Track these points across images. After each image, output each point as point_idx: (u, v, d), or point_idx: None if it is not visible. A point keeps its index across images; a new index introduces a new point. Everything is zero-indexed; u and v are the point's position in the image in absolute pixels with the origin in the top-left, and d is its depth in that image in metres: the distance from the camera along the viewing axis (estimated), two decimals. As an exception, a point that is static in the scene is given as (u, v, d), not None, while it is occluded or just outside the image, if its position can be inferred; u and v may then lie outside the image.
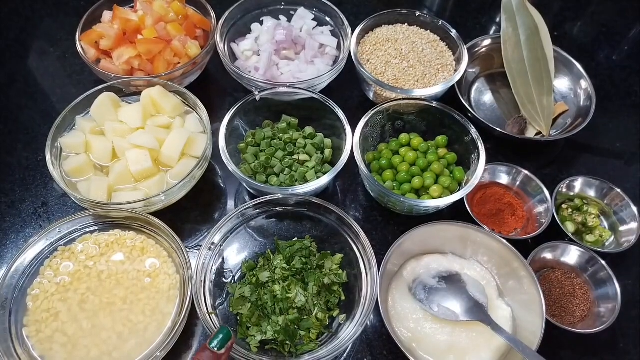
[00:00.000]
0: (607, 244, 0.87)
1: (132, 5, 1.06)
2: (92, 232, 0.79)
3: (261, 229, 0.83)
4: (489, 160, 0.87)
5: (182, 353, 0.75)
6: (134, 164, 0.83)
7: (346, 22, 1.03)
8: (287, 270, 0.76)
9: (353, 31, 1.01)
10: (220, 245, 0.78)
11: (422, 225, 0.78)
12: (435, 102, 0.90)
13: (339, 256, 0.79)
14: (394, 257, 0.76)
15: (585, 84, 1.04)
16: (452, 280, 0.78)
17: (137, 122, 0.88)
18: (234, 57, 1.04)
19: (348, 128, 0.86)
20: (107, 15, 1.02)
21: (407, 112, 0.93)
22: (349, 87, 1.06)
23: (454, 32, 1.01)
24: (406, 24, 1.06)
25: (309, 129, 0.93)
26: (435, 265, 0.80)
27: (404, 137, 0.92)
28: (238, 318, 0.75)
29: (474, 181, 0.81)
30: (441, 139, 0.91)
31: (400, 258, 0.80)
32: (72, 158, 0.85)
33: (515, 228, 0.87)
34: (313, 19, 1.08)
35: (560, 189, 0.89)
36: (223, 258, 0.79)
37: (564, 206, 0.90)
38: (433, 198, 0.84)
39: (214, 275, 0.77)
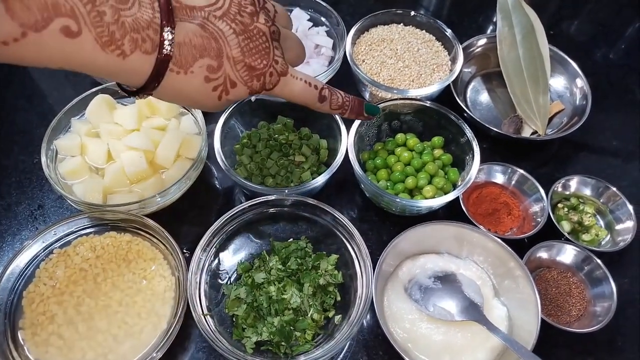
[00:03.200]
0: (603, 242, 0.87)
1: (127, 6, 1.06)
2: (87, 234, 0.79)
3: (257, 230, 0.83)
4: (484, 160, 0.87)
5: (177, 354, 0.75)
6: (129, 166, 0.83)
7: (342, 23, 1.03)
8: (282, 271, 0.77)
9: (348, 32, 1.01)
10: (216, 247, 0.78)
11: (418, 225, 0.78)
12: (430, 102, 0.90)
13: (334, 257, 0.79)
14: (389, 257, 0.76)
15: (581, 82, 1.04)
16: (447, 280, 0.78)
17: (132, 124, 0.88)
18: (229, 58, 1.04)
19: (343, 128, 0.86)
20: (102, 17, 1.02)
21: (404, 112, 0.93)
22: (345, 88, 1.03)
23: (449, 32, 1.01)
24: (402, 24, 1.06)
25: (304, 130, 0.93)
26: (431, 265, 0.80)
27: (400, 137, 0.92)
28: (233, 319, 0.75)
29: (467, 182, 0.81)
30: (437, 139, 0.91)
31: (395, 258, 0.80)
32: (67, 160, 0.85)
33: (511, 227, 0.87)
34: (308, 20, 1.08)
35: (555, 188, 0.89)
36: (218, 259, 0.79)
37: (559, 205, 0.90)
38: (426, 198, 0.84)
39: (210, 277, 0.77)
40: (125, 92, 0.58)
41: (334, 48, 1.05)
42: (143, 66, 0.50)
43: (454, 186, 0.87)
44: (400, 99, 0.91)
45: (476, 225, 0.82)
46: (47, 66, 0.46)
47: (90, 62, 0.47)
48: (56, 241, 0.78)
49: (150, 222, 0.77)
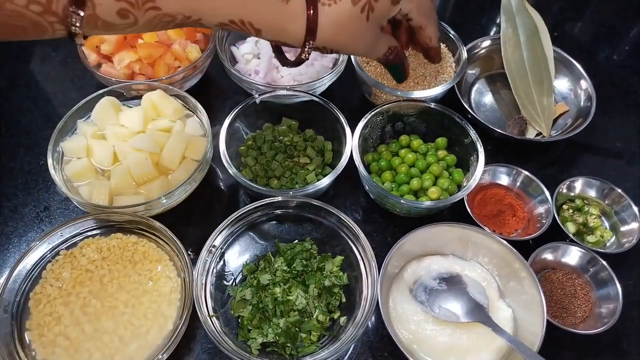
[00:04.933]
0: (608, 244, 0.87)
1: (132, 9, 1.06)
2: (93, 235, 0.80)
3: (262, 231, 0.83)
4: (489, 161, 0.87)
5: (183, 355, 0.75)
6: (135, 168, 0.83)
7: (346, 25, 1.03)
8: (287, 272, 0.77)
9: (352, 33, 1.01)
10: (221, 248, 0.79)
11: (423, 226, 0.78)
12: (434, 104, 0.90)
13: (339, 258, 0.79)
14: (394, 259, 0.77)
15: (585, 84, 1.04)
16: (452, 282, 0.78)
17: (137, 126, 0.88)
18: (234, 60, 1.05)
19: (348, 130, 0.86)
20: (107, 19, 1.02)
21: (407, 114, 0.93)
22: (349, 89, 1.06)
23: (453, 34, 1.01)
24: (406, 26, 1.06)
25: (309, 132, 0.93)
26: (436, 266, 0.80)
27: (403, 138, 0.92)
28: (239, 321, 0.75)
29: (472, 183, 0.81)
30: (441, 140, 0.91)
31: (400, 259, 0.80)
32: (73, 162, 0.86)
33: (516, 229, 0.87)
34: (313, 22, 1.08)
35: (560, 190, 0.89)
36: (224, 261, 0.80)
37: (564, 207, 0.90)
38: (431, 200, 0.84)
39: (215, 278, 0.77)
40: (286, 63, 0.68)
41: (338, 50, 1.05)
42: (299, 6, 0.56)
43: (459, 187, 0.87)
44: (404, 100, 0.91)
45: (481, 227, 0.82)
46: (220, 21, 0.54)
47: (257, 12, 0.54)
48: (62, 242, 0.78)
49: (156, 223, 0.77)
